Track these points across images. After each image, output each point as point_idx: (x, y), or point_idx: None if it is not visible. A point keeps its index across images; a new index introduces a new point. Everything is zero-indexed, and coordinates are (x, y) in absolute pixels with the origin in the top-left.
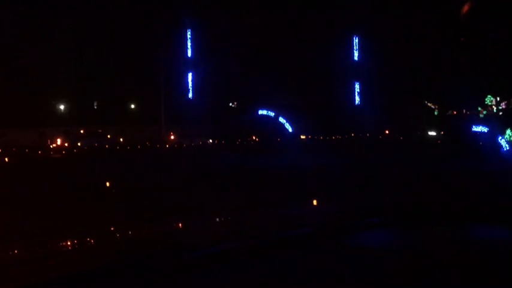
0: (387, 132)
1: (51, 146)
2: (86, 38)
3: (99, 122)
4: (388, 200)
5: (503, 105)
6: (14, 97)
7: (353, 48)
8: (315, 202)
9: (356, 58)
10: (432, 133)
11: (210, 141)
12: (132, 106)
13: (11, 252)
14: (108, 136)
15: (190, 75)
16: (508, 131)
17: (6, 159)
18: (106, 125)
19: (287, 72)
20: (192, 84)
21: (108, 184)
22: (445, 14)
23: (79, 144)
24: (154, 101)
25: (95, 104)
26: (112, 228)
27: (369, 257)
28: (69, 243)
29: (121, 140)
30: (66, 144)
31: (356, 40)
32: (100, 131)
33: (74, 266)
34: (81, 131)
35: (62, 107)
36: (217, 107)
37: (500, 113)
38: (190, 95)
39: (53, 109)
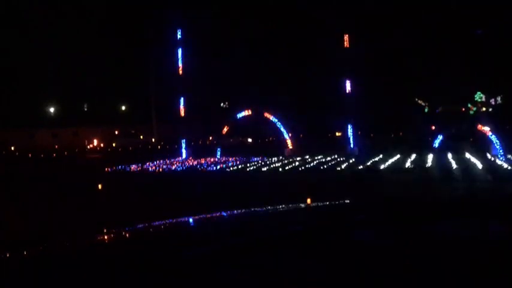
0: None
1: (88, 147)
2: (76, 39)
3: (90, 123)
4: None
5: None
6: (4, 98)
7: (343, 46)
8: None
9: (346, 56)
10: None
11: (250, 140)
12: (123, 107)
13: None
14: (141, 137)
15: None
16: None
17: None
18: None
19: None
20: (186, 84)
21: None
22: (436, 11)
23: (114, 144)
24: (145, 101)
25: (85, 105)
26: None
27: (364, 254)
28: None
29: (153, 140)
30: (102, 145)
31: (346, 38)
32: (133, 131)
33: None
34: (116, 132)
35: (51, 109)
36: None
37: (490, 110)
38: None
39: (42, 111)
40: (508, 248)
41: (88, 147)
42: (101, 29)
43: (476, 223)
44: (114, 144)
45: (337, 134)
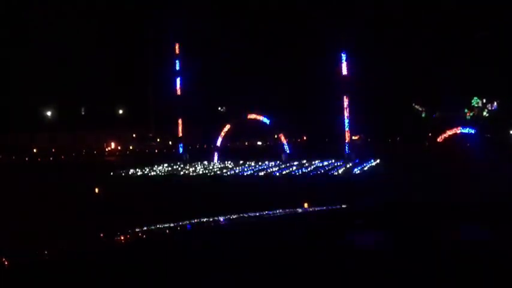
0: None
1: (106, 150)
2: (73, 43)
3: (88, 127)
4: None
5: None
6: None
7: (340, 52)
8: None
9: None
10: None
11: (259, 143)
12: (120, 111)
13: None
14: (158, 140)
15: (179, 79)
16: None
17: None
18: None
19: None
20: (181, 87)
21: None
22: (433, 17)
23: (131, 147)
24: (143, 104)
25: (82, 109)
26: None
27: (362, 257)
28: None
29: (170, 142)
30: (119, 148)
31: (343, 44)
32: (151, 135)
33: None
34: (133, 135)
35: (49, 112)
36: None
37: (487, 115)
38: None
39: (40, 114)
40: (506, 252)
41: (106, 149)
42: (100, 32)
43: (474, 227)
44: (131, 147)
45: (354, 137)
